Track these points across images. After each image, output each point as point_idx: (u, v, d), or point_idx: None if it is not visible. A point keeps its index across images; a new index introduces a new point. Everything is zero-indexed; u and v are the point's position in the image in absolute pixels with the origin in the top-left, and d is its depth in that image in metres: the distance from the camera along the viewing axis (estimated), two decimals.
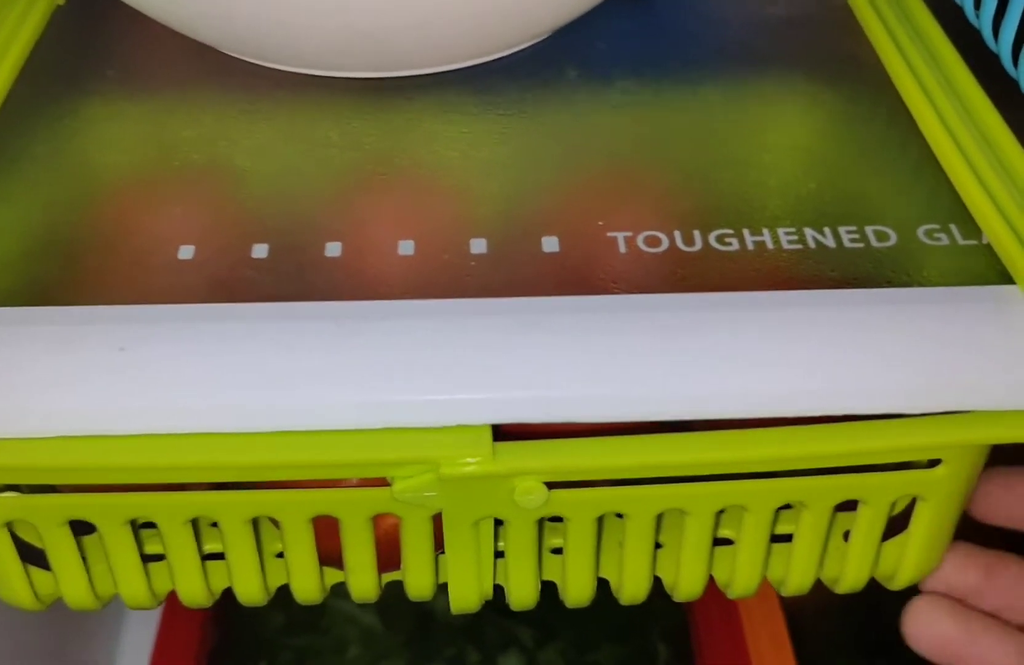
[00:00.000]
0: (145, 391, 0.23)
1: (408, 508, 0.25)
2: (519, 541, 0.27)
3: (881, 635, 0.52)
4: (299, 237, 0.26)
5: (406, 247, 0.26)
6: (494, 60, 0.32)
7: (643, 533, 0.27)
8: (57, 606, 0.29)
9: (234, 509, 0.26)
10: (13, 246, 0.26)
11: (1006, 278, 0.25)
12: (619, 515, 0.27)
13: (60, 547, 0.27)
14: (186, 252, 0.26)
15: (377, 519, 0.26)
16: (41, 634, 0.49)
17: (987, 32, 0.31)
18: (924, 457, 0.26)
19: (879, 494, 0.26)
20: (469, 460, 0.24)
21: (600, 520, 0.27)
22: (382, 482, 0.25)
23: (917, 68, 0.31)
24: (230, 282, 0.25)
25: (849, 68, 0.32)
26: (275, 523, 0.27)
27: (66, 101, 0.31)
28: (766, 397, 0.24)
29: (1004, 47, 0.30)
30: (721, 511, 0.27)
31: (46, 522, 0.26)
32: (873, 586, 0.30)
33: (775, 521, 0.27)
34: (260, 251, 0.26)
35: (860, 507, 0.27)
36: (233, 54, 0.32)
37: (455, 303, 0.24)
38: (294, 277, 0.25)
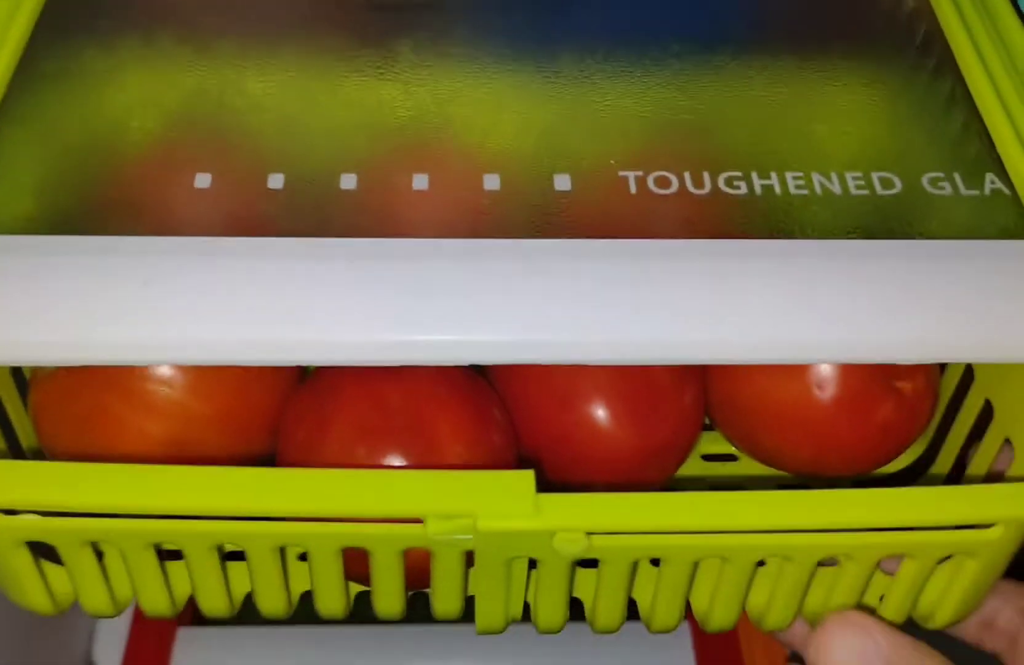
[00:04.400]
0: (168, 325, 0.24)
1: (441, 546, 0.25)
2: (552, 579, 0.26)
3: None
4: (314, 168, 0.27)
5: (420, 181, 0.26)
6: None
7: (680, 577, 0.26)
8: None
9: (261, 540, 0.25)
10: (35, 173, 0.26)
11: None
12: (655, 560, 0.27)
13: (80, 565, 0.26)
14: (203, 180, 0.26)
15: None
16: None
17: None
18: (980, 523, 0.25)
19: (926, 551, 0.26)
20: (510, 516, 0.23)
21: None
22: (415, 517, 0.24)
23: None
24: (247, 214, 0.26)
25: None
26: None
27: (80, 43, 0.30)
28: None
29: None
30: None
31: (68, 544, 0.25)
32: None
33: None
34: (276, 182, 0.26)
35: (905, 560, 0.26)
36: None
37: (469, 244, 0.25)
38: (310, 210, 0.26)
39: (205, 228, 0.25)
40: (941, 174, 0.27)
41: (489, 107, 0.29)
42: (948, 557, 0.27)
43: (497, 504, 0.23)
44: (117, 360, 0.24)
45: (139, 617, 0.58)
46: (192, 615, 0.60)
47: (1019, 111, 0.28)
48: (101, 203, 0.26)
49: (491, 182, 0.26)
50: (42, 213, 0.25)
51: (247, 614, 0.28)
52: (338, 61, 0.30)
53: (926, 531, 0.25)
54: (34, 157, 0.27)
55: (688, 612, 0.28)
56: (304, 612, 0.28)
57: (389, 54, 0.30)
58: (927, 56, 0.31)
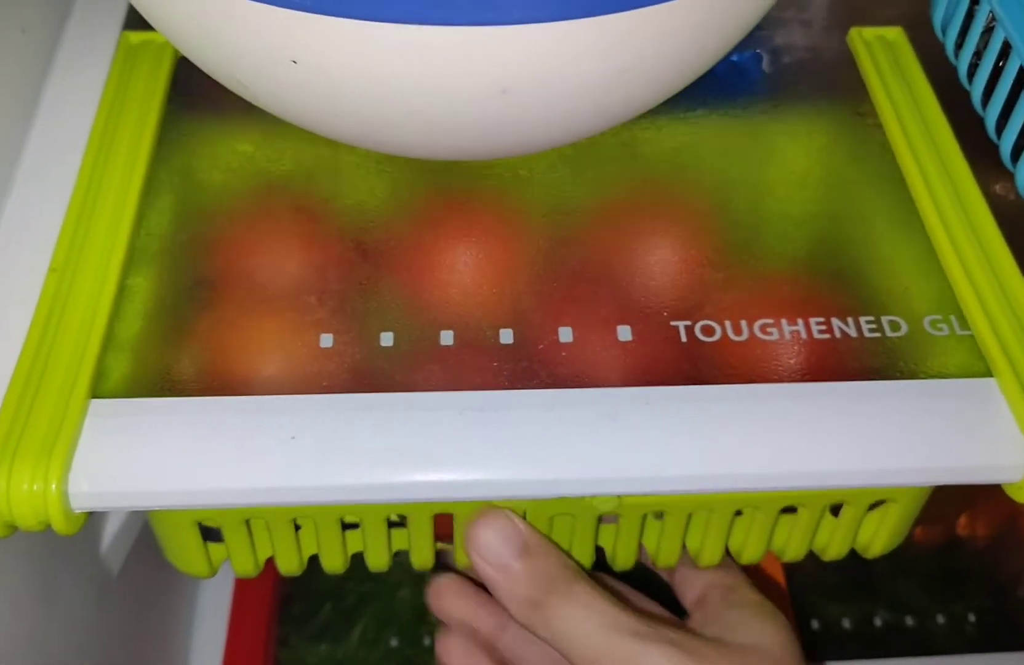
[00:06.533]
0: (315, 474, 0.29)
1: (506, 506, 0.34)
2: (585, 529, 0.35)
3: (861, 576, 0.63)
4: (417, 326, 0.32)
5: (507, 336, 0.32)
6: None
7: (678, 525, 0.35)
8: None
9: (374, 512, 0.34)
10: (192, 346, 0.32)
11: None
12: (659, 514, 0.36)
13: (237, 538, 0.35)
14: (326, 341, 0.32)
15: None
16: (128, 573, 0.53)
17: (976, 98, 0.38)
18: None
19: (858, 499, 0.35)
20: None
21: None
22: None
23: (923, 163, 0.37)
24: (365, 370, 0.31)
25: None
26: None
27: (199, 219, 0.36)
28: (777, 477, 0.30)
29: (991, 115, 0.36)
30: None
31: (229, 522, 0.34)
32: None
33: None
34: (387, 340, 0.32)
35: (844, 506, 0.35)
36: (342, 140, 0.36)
37: (554, 394, 0.31)
38: (417, 365, 0.31)
39: (332, 385, 0.31)
40: (939, 316, 0.33)
41: (550, 265, 0.34)
42: (879, 502, 0.36)
43: None
44: (270, 502, 0.30)
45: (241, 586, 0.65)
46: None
47: (971, 258, 0.34)
48: (250, 367, 0.31)
49: (565, 335, 0.32)
50: (200, 378, 0.31)
51: None
52: (421, 225, 0.35)
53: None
54: (178, 332, 0.32)
55: None
56: None
57: (461, 218, 0.36)
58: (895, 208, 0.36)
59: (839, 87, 0.41)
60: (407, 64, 0.28)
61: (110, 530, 0.49)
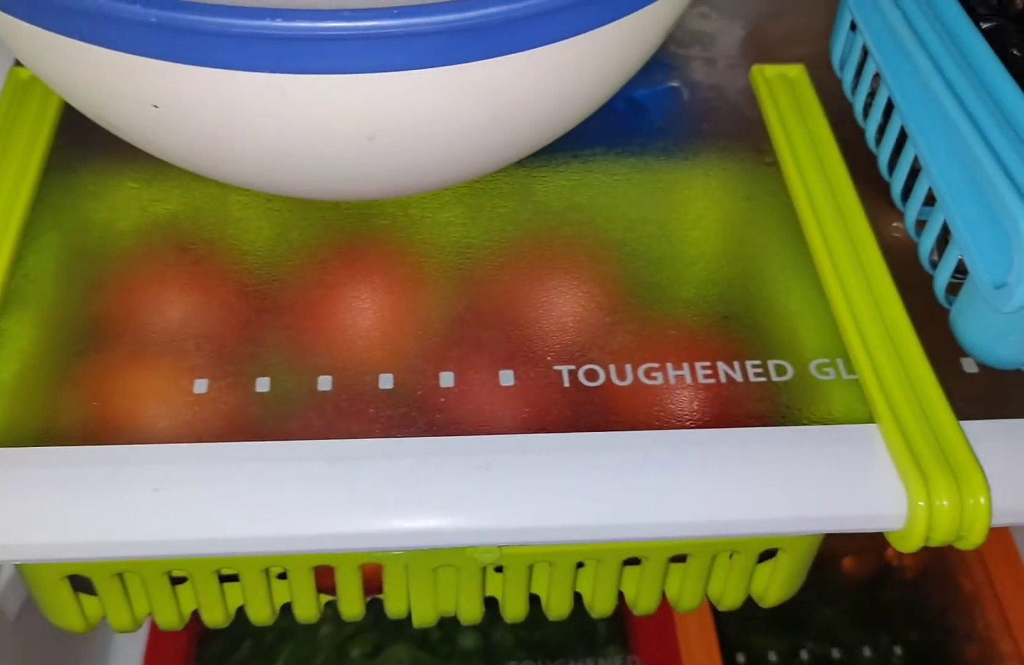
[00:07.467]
0: (177, 527, 0.28)
1: (387, 558, 0.33)
2: (470, 581, 0.34)
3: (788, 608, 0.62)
4: (295, 371, 0.31)
5: (386, 381, 0.31)
6: None
7: (566, 575, 0.35)
8: None
9: (252, 564, 0.33)
10: (51, 391, 0.31)
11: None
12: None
13: (110, 591, 0.34)
14: (200, 386, 0.31)
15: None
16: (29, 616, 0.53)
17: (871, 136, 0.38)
18: None
19: (746, 547, 0.34)
20: None
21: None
22: None
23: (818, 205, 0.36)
24: (239, 418, 0.30)
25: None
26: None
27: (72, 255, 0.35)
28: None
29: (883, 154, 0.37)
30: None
31: (100, 575, 0.33)
32: None
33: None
34: (263, 386, 0.31)
35: (735, 554, 0.35)
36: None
37: (428, 442, 0.30)
38: (292, 412, 0.30)
39: (204, 433, 0.30)
40: (826, 360, 0.32)
41: (436, 308, 0.33)
42: (771, 551, 0.35)
43: None
44: (132, 555, 0.29)
45: None
46: None
47: (860, 302, 0.33)
48: (122, 414, 0.30)
49: (446, 379, 0.31)
50: (71, 427, 0.30)
51: None
52: (306, 266, 0.34)
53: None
54: (49, 377, 0.31)
55: None
56: None
57: (348, 259, 0.34)
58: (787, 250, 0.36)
59: (739, 126, 0.40)
60: (264, 111, 0.27)
61: (5, 574, 0.47)
